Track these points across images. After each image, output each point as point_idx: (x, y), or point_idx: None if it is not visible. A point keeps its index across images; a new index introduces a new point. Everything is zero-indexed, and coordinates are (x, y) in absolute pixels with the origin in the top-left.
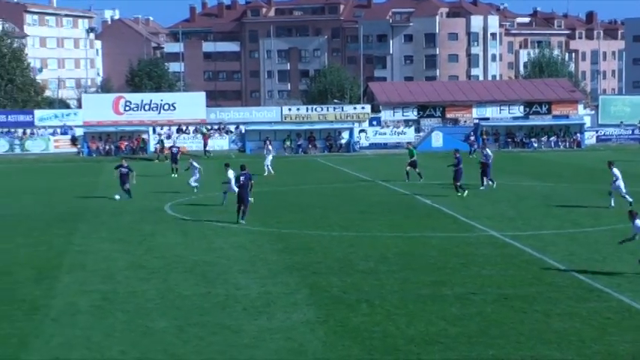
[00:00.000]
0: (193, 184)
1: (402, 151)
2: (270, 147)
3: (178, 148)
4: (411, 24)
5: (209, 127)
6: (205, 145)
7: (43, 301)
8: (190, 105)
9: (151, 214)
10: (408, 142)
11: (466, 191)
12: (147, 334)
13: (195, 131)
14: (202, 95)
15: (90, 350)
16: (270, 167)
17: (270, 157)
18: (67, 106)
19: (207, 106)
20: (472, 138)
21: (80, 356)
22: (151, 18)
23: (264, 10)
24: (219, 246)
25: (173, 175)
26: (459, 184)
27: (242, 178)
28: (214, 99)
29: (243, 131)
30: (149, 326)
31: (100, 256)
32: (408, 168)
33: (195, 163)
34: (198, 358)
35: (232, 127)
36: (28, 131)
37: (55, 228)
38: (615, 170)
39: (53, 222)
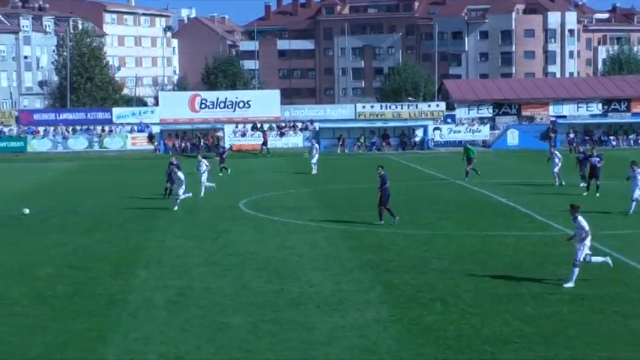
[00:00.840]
0: (208, 183)
1: (477, 150)
2: (316, 145)
3: (224, 147)
4: (486, 21)
5: (283, 124)
6: (265, 142)
7: (120, 296)
8: (265, 103)
9: (225, 211)
10: (466, 142)
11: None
12: (222, 329)
13: (270, 129)
14: (277, 93)
15: (166, 345)
16: (315, 165)
17: (316, 156)
18: (144, 104)
19: (281, 103)
20: (572, 136)
21: (156, 351)
22: (227, 16)
23: (338, 7)
24: (293, 243)
25: (220, 174)
26: (598, 182)
27: (385, 178)
28: (289, 97)
29: (317, 129)
30: (224, 322)
31: (176, 252)
32: (469, 168)
33: (205, 162)
34: (272, 354)
35: (301, 125)
36: (107, 129)
37: (132, 224)
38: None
39: (131, 218)
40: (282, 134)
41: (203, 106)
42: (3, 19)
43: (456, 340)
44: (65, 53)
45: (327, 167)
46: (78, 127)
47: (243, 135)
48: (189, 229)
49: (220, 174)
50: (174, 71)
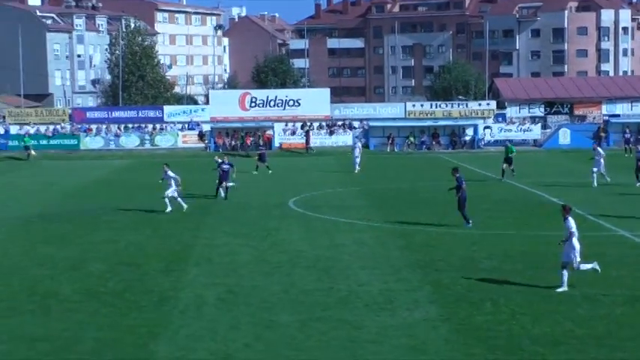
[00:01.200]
0: (230, 183)
1: (528, 149)
2: (359, 144)
3: (263, 147)
4: (538, 19)
5: (330, 122)
6: (308, 141)
7: (171, 293)
8: (315, 101)
9: (274, 209)
10: (508, 140)
11: None
12: (270, 327)
13: (320, 127)
14: (327, 91)
15: (215, 342)
16: (356, 164)
17: (359, 155)
18: (195, 102)
19: (331, 102)
20: (627, 135)
21: (206, 348)
22: (277, 15)
23: (388, 6)
24: (342, 242)
25: (270, 172)
26: None
27: (461, 181)
28: (338, 95)
29: (366, 127)
30: (273, 320)
31: (226, 249)
32: (505, 166)
33: (226, 161)
34: (320, 352)
35: (356, 123)
36: (158, 126)
37: (182, 221)
38: None
39: (181, 215)
40: (331, 133)
41: (253, 104)
42: (57, 18)
43: (506, 340)
44: (117, 52)
45: (377, 166)
46: (130, 125)
47: (293, 133)
48: (239, 227)
49: (270, 171)
50: (225, 69)
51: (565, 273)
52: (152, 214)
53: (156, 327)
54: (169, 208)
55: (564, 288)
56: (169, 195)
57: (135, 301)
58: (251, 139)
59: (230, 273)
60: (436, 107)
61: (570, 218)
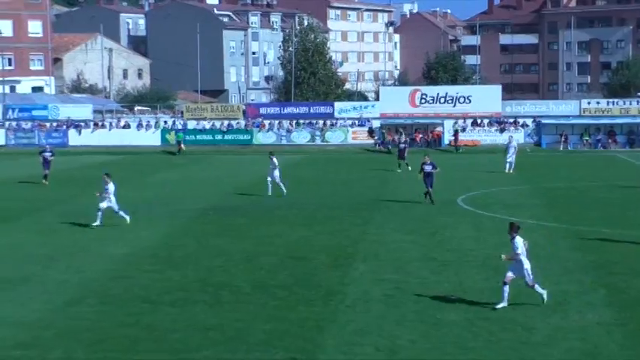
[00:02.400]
0: (271, 180)
1: None
2: (514, 143)
3: (405, 143)
4: None
5: (504, 120)
6: (456, 140)
7: (338, 288)
8: (486, 98)
9: (443, 206)
10: None
11: None
12: (437, 325)
13: (490, 124)
14: (498, 88)
15: (381, 337)
16: (510, 164)
17: (513, 155)
18: (365, 99)
19: (502, 99)
20: None
21: (372, 343)
22: (449, 11)
23: (564, 0)
24: None
25: (398, 170)
26: None
27: None
28: (510, 92)
29: (538, 124)
30: (439, 318)
31: (393, 246)
32: None
33: (274, 159)
34: (489, 353)
35: (528, 121)
36: (329, 122)
37: (350, 217)
38: None
39: (349, 211)
40: (502, 130)
41: (423, 101)
42: (233, 16)
43: None
44: (290, 49)
45: (549, 164)
46: (301, 121)
47: (463, 130)
48: (406, 224)
49: (399, 170)
50: (396, 66)
51: (506, 289)
52: (323, 210)
53: (323, 321)
54: (98, 222)
55: (504, 304)
56: (104, 207)
57: (303, 294)
58: (420, 135)
59: (397, 269)
60: (613, 105)
61: (518, 238)
